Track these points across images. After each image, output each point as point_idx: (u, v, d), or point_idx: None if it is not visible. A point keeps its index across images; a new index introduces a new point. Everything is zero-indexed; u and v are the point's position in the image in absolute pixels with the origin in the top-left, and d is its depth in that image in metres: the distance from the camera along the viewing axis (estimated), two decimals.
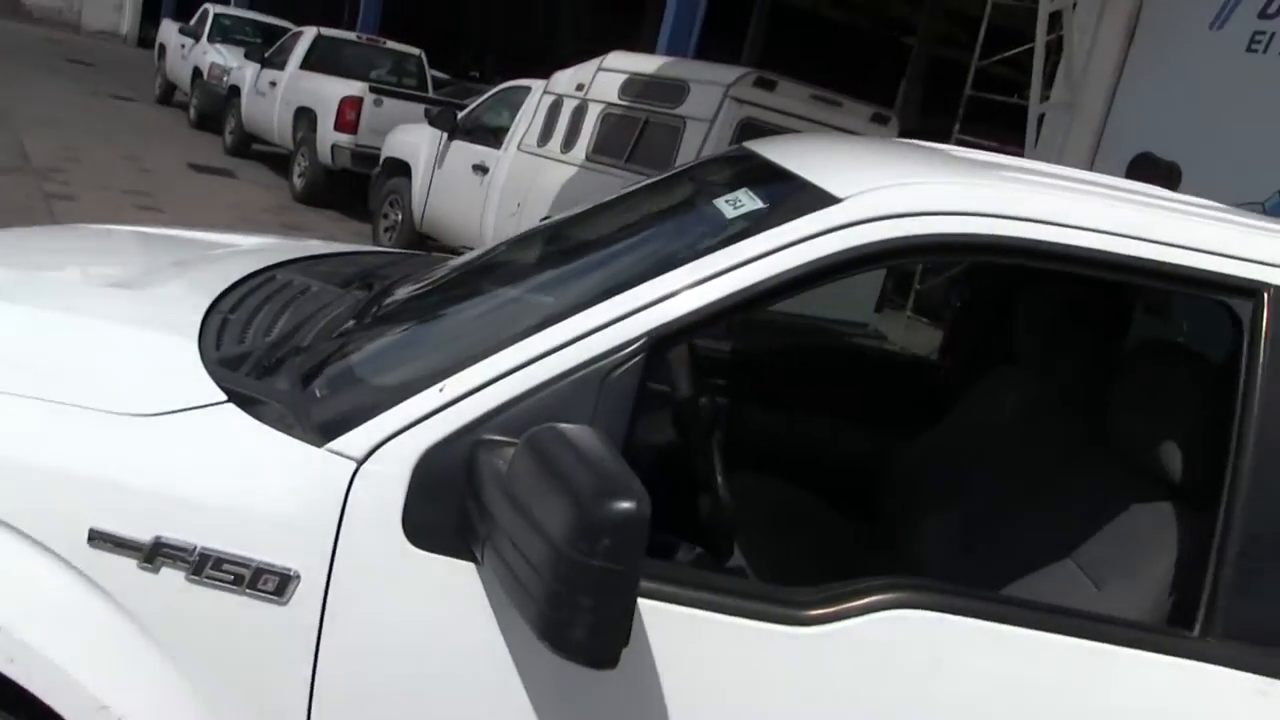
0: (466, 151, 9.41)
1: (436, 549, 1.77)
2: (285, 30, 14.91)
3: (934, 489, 2.90)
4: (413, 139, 10.09)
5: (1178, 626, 1.90)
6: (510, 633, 1.75)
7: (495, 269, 2.50)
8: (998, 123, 10.42)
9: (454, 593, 1.78)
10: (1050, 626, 1.84)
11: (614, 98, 8.07)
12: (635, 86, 8.00)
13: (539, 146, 8.59)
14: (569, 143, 8.27)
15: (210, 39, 16.86)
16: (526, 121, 8.88)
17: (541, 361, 1.80)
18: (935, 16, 24.23)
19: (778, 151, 2.39)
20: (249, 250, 3.11)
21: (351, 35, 14.70)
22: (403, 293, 2.47)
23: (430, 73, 14.95)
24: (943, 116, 11.90)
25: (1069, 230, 1.92)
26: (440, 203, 9.60)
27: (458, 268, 2.61)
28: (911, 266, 2.56)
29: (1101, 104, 8.35)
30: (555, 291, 2.11)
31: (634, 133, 7.74)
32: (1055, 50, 8.66)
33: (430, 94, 13.19)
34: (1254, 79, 7.19)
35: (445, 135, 9.67)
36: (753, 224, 1.95)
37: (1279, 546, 1.84)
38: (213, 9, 17.75)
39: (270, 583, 1.78)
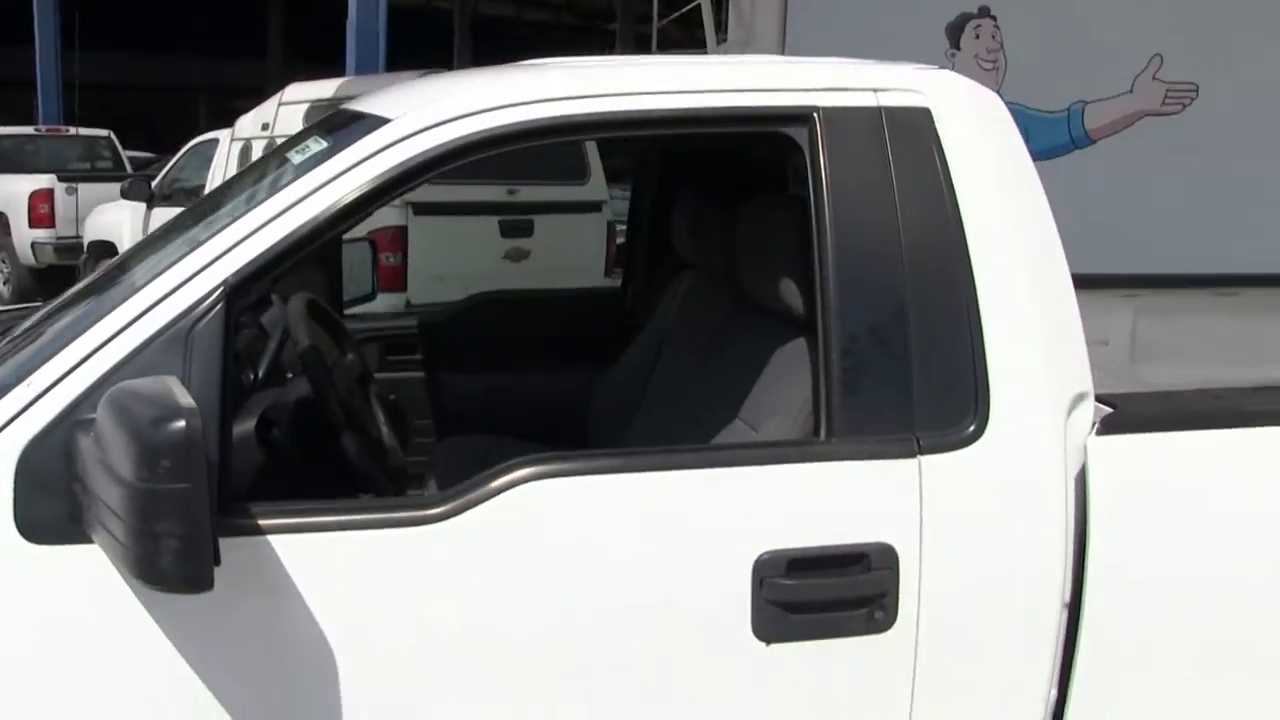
0: (170, 216, 9.11)
1: (56, 540, 1.74)
2: None
3: (629, 399, 2.98)
4: (113, 217, 9.75)
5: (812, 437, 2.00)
6: (141, 594, 1.72)
7: (102, 276, 2.44)
8: None
9: (83, 578, 1.74)
10: (682, 464, 1.92)
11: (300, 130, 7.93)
12: (318, 114, 7.88)
13: None
14: None
15: None
16: (221, 172, 8.63)
17: (126, 332, 1.79)
18: None
19: (363, 100, 2.40)
20: None
21: (29, 129, 14.01)
22: (20, 327, 2.39)
23: (129, 153, 14.44)
24: None
25: (620, 98, 1.99)
26: None
27: (74, 290, 2.53)
28: (481, 159, 2.64)
29: (775, 35, 8.62)
30: (142, 269, 2.08)
31: None
32: None
33: (128, 173, 12.71)
34: None
35: (145, 206, 9.38)
36: (315, 162, 1.96)
37: (870, 346, 1.94)
38: None
39: None
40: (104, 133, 13.78)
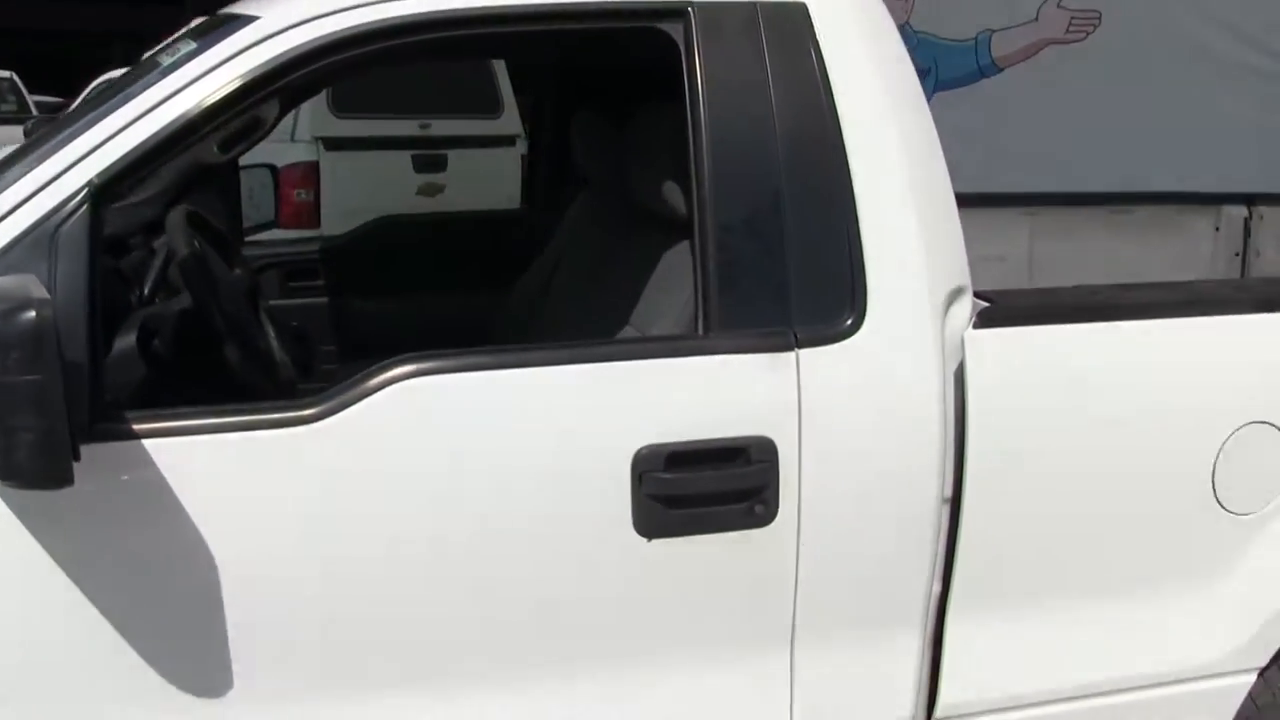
0: None
1: None
2: None
3: (529, 318, 2.97)
4: None
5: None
6: (12, 500, 1.70)
7: None
8: None
9: None
10: (559, 360, 1.94)
11: None
12: None
13: None
14: None
15: None
16: None
17: None
18: None
19: (237, 5, 2.35)
20: None
21: None
22: None
23: (39, 98, 14.05)
24: None
25: None
26: None
27: None
28: (354, 62, 2.59)
29: None
30: (8, 176, 2.03)
31: None
32: None
33: (33, 114, 12.36)
34: None
35: None
36: (183, 61, 1.93)
37: (746, 241, 1.95)
38: None
39: None
40: (5, 74, 13.39)
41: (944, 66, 5.91)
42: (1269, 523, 2.24)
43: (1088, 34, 5.61)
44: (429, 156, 6.90)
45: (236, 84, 1.85)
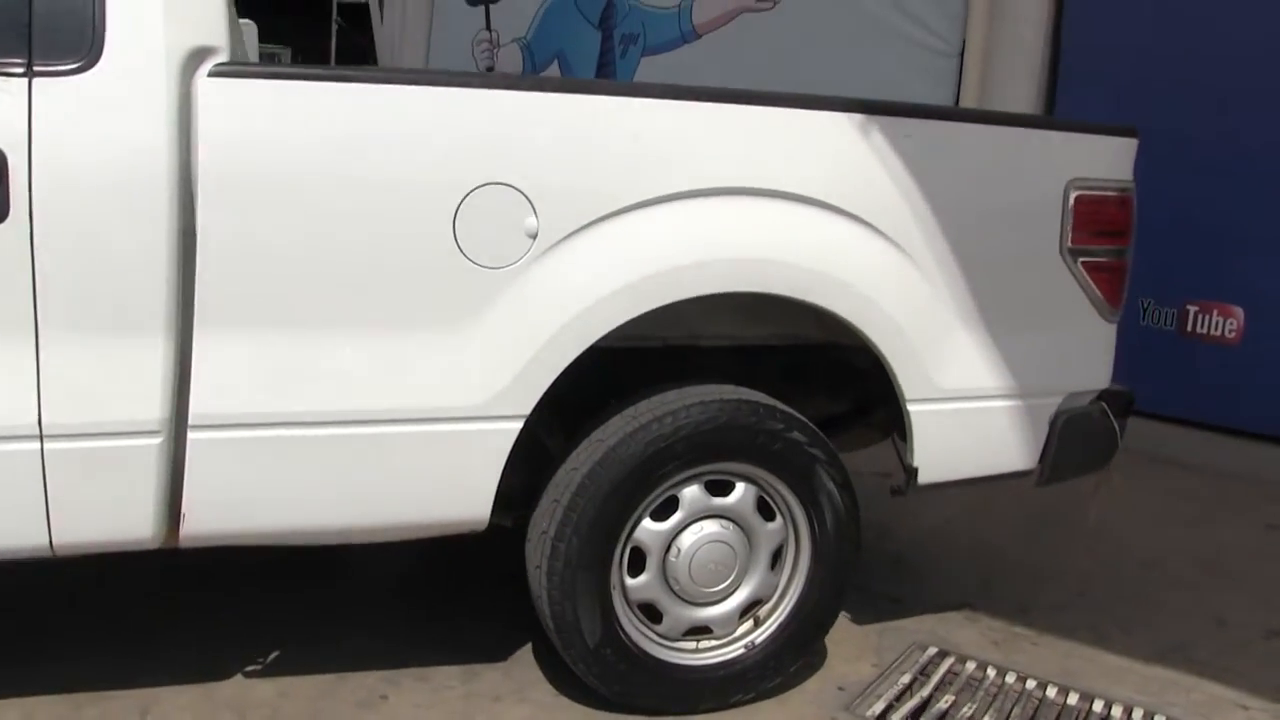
0: None
1: None
2: None
3: None
4: None
5: None
6: None
7: None
8: None
9: None
10: None
11: None
12: None
13: None
14: None
15: None
16: None
17: None
18: None
19: None
20: None
21: None
22: None
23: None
24: None
25: None
26: None
27: None
28: None
29: None
30: None
31: None
32: None
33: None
34: None
35: None
36: None
37: None
38: None
39: None
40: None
41: (651, 32, 6.32)
42: (520, 277, 2.56)
43: (776, 2, 6.03)
44: None
45: None
